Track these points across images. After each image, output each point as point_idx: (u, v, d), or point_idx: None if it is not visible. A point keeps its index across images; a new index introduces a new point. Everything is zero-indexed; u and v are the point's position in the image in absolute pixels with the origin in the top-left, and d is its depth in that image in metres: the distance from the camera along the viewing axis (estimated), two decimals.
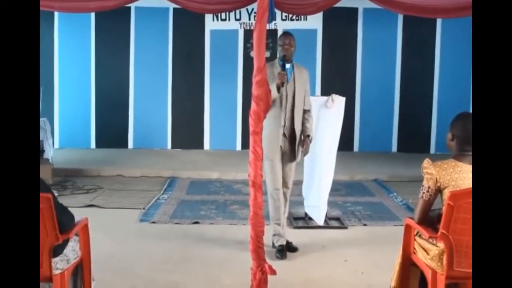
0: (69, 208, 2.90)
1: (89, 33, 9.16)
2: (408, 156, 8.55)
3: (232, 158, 8.44)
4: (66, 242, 2.80)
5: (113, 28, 9.11)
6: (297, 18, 8.90)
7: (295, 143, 4.29)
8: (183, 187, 6.76)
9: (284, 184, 4.36)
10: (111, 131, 9.25)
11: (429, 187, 2.72)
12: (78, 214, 3.01)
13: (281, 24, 8.72)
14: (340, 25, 9.04)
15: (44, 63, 8.45)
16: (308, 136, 4.34)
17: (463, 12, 3.88)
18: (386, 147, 9.28)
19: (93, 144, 9.32)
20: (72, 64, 9.21)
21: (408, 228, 2.91)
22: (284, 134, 4.26)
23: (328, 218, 5.12)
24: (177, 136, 9.33)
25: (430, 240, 2.74)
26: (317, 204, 4.95)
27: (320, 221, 4.94)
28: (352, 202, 6.09)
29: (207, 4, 4.31)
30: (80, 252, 2.97)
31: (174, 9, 8.91)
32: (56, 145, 8.85)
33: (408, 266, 2.91)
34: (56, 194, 2.88)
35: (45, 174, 6.21)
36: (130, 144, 9.35)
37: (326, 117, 4.78)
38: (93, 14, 8.93)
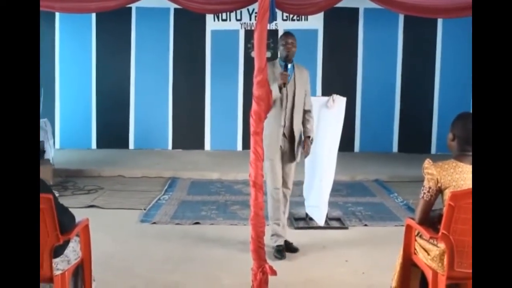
0: (70, 209, 2.91)
1: (90, 33, 9.17)
2: (409, 156, 8.54)
3: (233, 158, 8.44)
4: (67, 242, 2.81)
5: (114, 29, 9.11)
6: (298, 18, 8.90)
7: (294, 143, 4.30)
8: (184, 187, 6.76)
9: (284, 184, 4.35)
10: (112, 132, 9.25)
11: (430, 188, 2.72)
12: (79, 215, 3.01)
13: (282, 24, 8.73)
14: (341, 25, 9.04)
15: (45, 63, 8.47)
16: (309, 137, 4.35)
17: (464, 12, 3.86)
18: (386, 147, 9.28)
19: (94, 145, 9.32)
20: (73, 64, 9.22)
21: (408, 229, 2.91)
22: (284, 134, 4.26)
23: (328, 218, 5.12)
24: (178, 136, 9.34)
25: (431, 240, 2.74)
26: (317, 205, 4.95)
27: (320, 221, 4.94)
28: (353, 202, 6.08)
29: (208, 4, 4.29)
30: (81, 252, 2.97)
31: (175, 9, 8.90)
32: (57, 146, 8.84)
33: (409, 267, 2.91)
34: (57, 195, 2.88)
35: (46, 174, 6.22)
36: (131, 145, 9.35)
37: (327, 117, 4.78)
38: (94, 15, 8.92)
